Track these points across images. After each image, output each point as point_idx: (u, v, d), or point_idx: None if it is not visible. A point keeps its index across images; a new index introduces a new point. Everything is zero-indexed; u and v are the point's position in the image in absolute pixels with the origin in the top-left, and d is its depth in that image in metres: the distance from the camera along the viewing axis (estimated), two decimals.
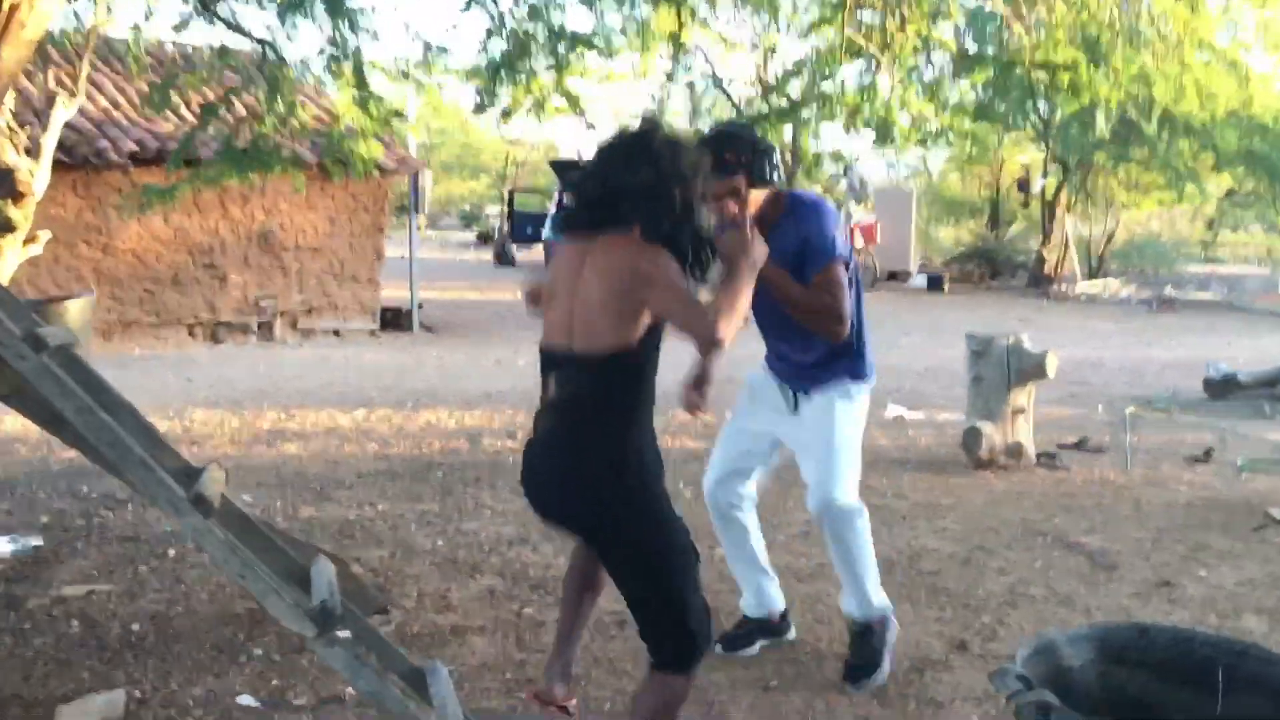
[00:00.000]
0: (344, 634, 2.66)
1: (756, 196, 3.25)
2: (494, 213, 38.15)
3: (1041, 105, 17.91)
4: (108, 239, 10.82)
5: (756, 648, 3.71)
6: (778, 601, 3.79)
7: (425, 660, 2.98)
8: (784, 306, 3.30)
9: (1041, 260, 21.22)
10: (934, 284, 20.51)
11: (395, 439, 7.13)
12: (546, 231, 24.21)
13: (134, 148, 10.64)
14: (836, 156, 9.95)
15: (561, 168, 25.72)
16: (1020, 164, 23.61)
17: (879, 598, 3.58)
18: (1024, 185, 22.69)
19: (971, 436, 6.29)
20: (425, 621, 3.92)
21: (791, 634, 3.82)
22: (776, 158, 3.27)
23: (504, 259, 25.62)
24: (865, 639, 3.54)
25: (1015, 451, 6.32)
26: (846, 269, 3.33)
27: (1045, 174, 21.90)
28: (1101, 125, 7.24)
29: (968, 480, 6.10)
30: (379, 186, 12.33)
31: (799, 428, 3.51)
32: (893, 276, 21.22)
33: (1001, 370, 6.30)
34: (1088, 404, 8.71)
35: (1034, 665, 2.77)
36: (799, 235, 3.26)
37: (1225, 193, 22.98)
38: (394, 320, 13.31)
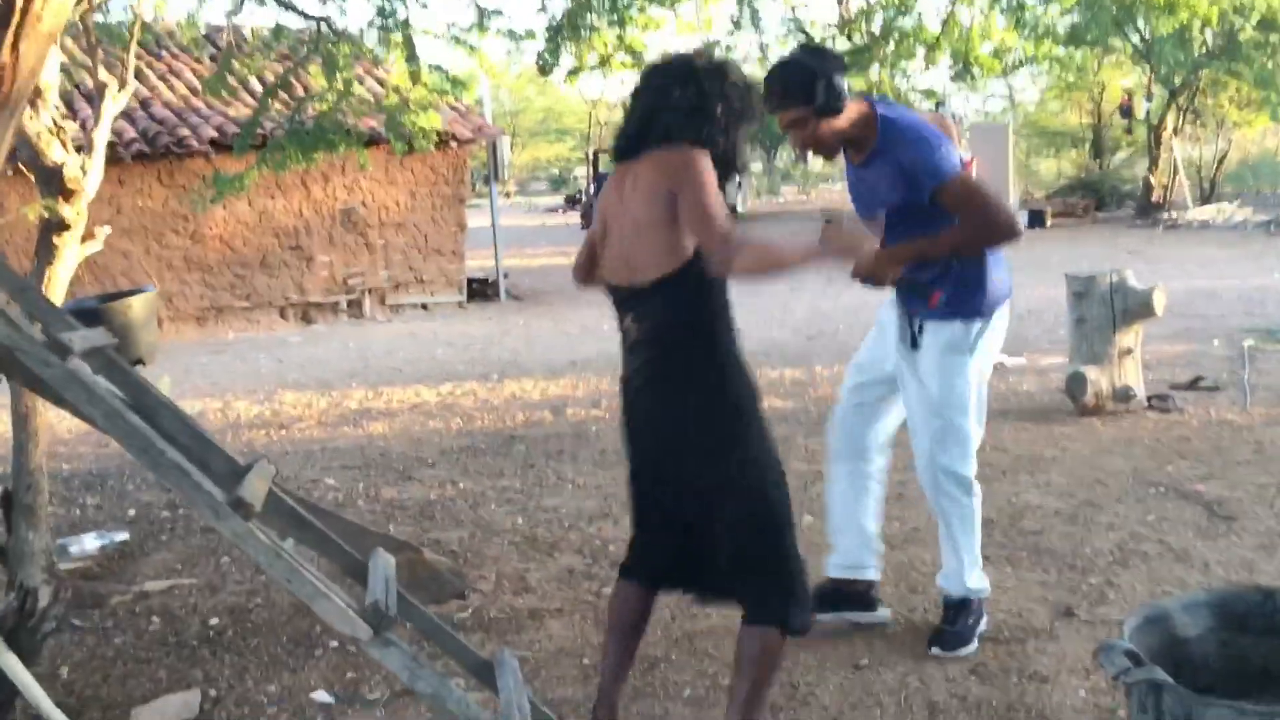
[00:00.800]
0: (395, 637, 2.54)
1: (835, 123, 3.01)
2: (581, 175, 38.04)
3: (1141, 25, 17.03)
4: (195, 226, 10.96)
5: (836, 617, 3.41)
6: (872, 571, 3.48)
7: (495, 651, 2.86)
8: (952, 254, 3.04)
9: (1149, 188, 20.31)
10: (1035, 220, 19.74)
11: (479, 413, 7.06)
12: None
13: (214, 134, 10.73)
14: (929, 94, 9.54)
15: None
16: (1122, 88, 22.59)
17: (977, 581, 3.32)
18: (1126, 110, 21.71)
19: (1076, 382, 5.95)
20: (503, 605, 3.81)
21: (883, 614, 3.49)
22: (841, 81, 2.97)
23: (591, 221, 25.47)
24: (958, 613, 3.31)
25: (1124, 395, 5.96)
26: (960, 174, 3.02)
27: (1149, 97, 20.89)
28: (1202, 39, 6.75)
29: (1073, 429, 5.77)
30: (457, 156, 12.27)
31: (913, 369, 3.21)
32: None
33: (1106, 310, 5.94)
34: (1202, 339, 8.23)
35: (1144, 636, 2.53)
36: (899, 161, 3.01)
37: None
38: (480, 291, 13.30)
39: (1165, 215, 19.28)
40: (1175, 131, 20.60)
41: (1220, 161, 21.89)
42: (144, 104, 11.22)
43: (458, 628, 3.60)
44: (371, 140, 8.14)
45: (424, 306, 12.55)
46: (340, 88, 7.04)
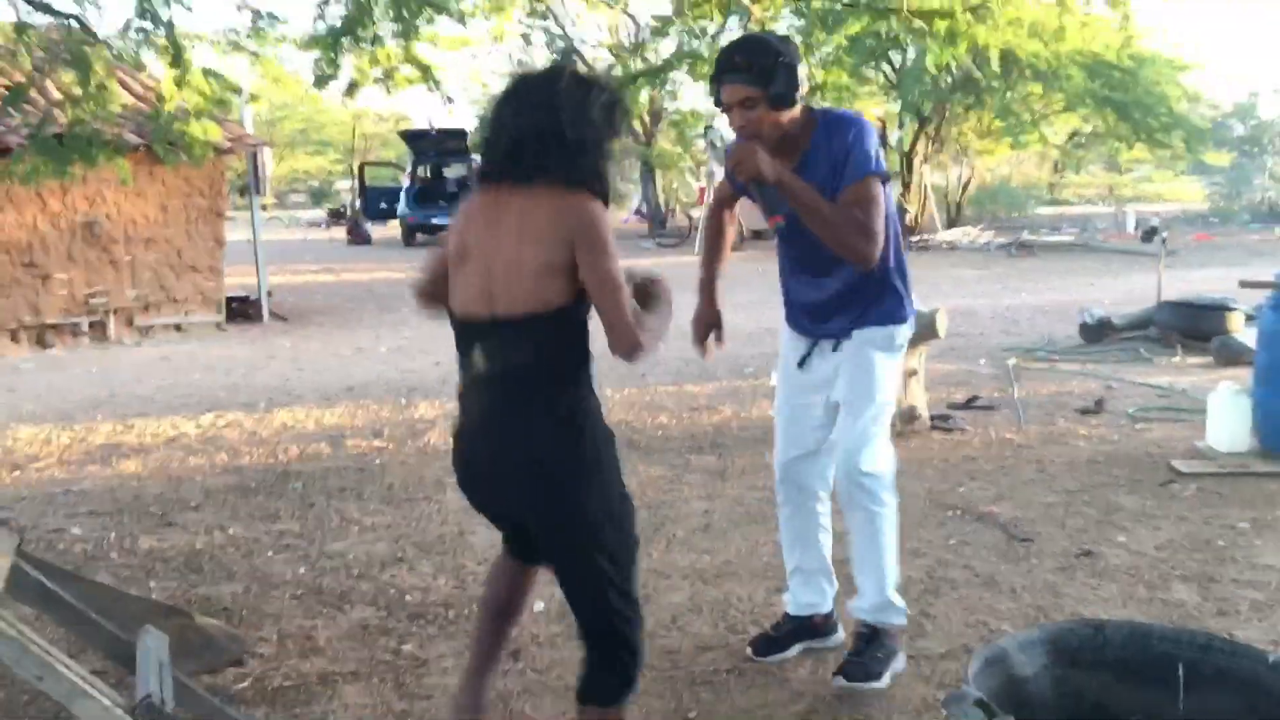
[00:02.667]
0: None
1: (780, 116, 2.88)
2: (345, 188, 36.81)
3: (895, 56, 17.91)
4: None
5: (794, 651, 3.35)
6: (827, 603, 3.41)
7: None
8: (808, 223, 2.89)
9: (903, 211, 21.36)
10: None
11: (247, 447, 6.49)
12: (403, 207, 23.39)
13: None
14: (695, 116, 9.59)
15: (413, 138, 24.86)
16: (875, 116, 23.71)
17: (898, 599, 3.21)
18: (881, 137, 22.79)
19: None
20: (288, 670, 3.40)
21: (839, 636, 3.41)
22: (801, 73, 2.88)
23: (358, 237, 24.60)
24: (870, 641, 3.16)
25: (909, 416, 6.07)
26: (884, 185, 2.96)
27: (901, 124, 22.03)
28: (945, 73, 7.02)
29: None
30: (214, 167, 11.44)
31: (826, 379, 3.18)
32: (758, 236, 21.05)
33: None
34: (969, 357, 8.60)
35: (986, 679, 2.45)
36: (833, 152, 2.91)
37: (1069, 135, 23.52)
38: (241, 310, 12.48)
39: (917, 237, 20.33)
40: (925, 158, 21.78)
41: (965, 187, 23.32)
42: None
43: (237, 700, 3.19)
44: (122, 150, 7.44)
45: (178, 328, 11.63)
46: (95, 93, 6.37)
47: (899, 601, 3.22)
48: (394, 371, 8.94)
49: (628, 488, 2.55)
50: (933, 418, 6.28)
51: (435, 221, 22.67)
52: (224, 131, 11.30)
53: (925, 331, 6.00)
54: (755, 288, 11.04)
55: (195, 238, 11.63)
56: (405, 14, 5.78)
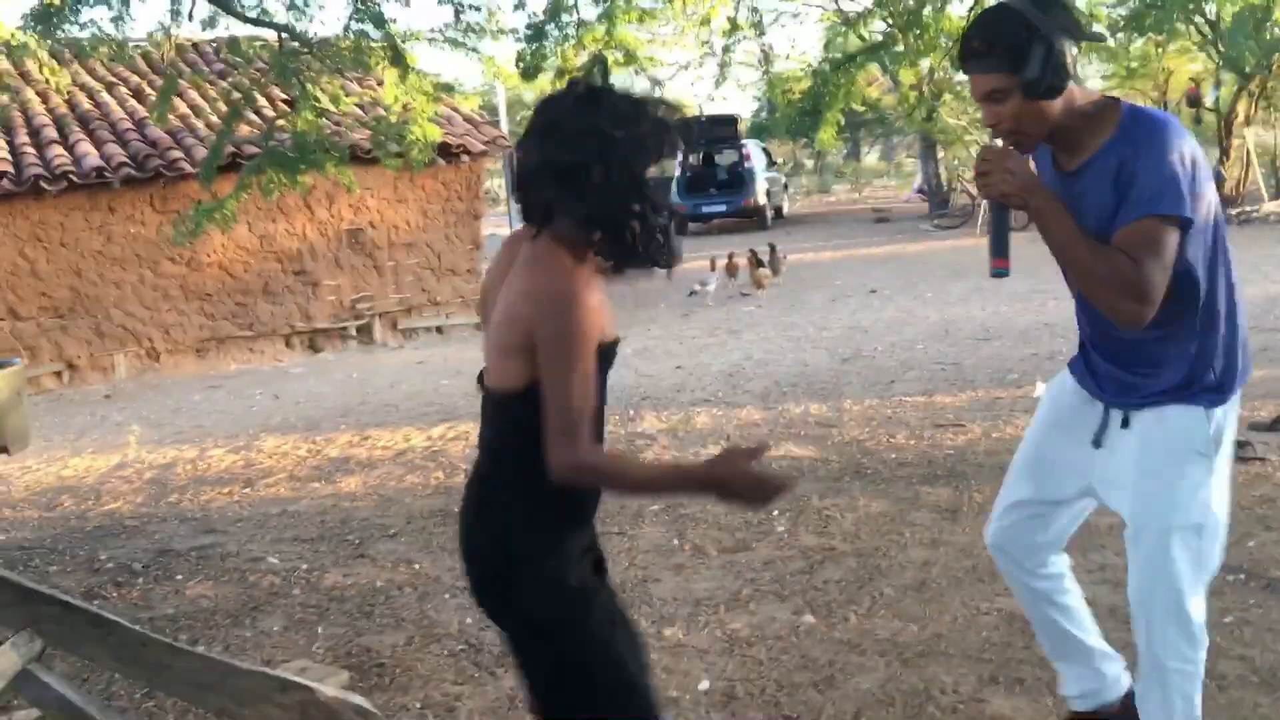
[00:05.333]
0: None
1: (1042, 109, 2.18)
2: None
3: (1209, 9, 15.91)
4: (192, 253, 10.40)
5: None
6: (1120, 685, 2.75)
7: None
8: (1060, 264, 2.24)
9: (1221, 180, 19.08)
10: None
11: (465, 463, 6.35)
12: (674, 196, 23.30)
13: (226, 160, 10.16)
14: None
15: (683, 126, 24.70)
16: (1188, 76, 21.36)
17: None
18: (1194, 99, 20.48)
19: None
20: None
21: None
22: (1068, 48, 2.16)
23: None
24: None
25: None
26: (1184, 234, 2.17)
27: (1218, 84, 19.67)
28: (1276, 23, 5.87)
29: None
30: (470, 171, 11.62)
31: (1110, 468, 2.44)
32: None
33: None
34: None
35: None
36: (1125, 166, 2.16)
37: None
38: None
39: (1238, 210, 18.10)
40: (1248, 120, 19.36)
41: None
42: (139, 125, 10.71)
43: None
44: (373, 159, 7.53)
45: (439, 330, 11.91)
46: (316, 102, 6.44)
47: None
48: (631, 376, 8.64)
49: (622, 615, 2.12)
50: None
51: (706, 210, 22.44)
52: (479, 135, 11.45)
53: None
54: (1036, 274, 9.97)
55: (454, 241, 11.86)
56: None
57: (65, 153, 10.17)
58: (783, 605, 3.90)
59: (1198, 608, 2.37)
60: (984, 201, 2.59)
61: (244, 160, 8.28)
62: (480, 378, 2.10)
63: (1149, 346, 2.32)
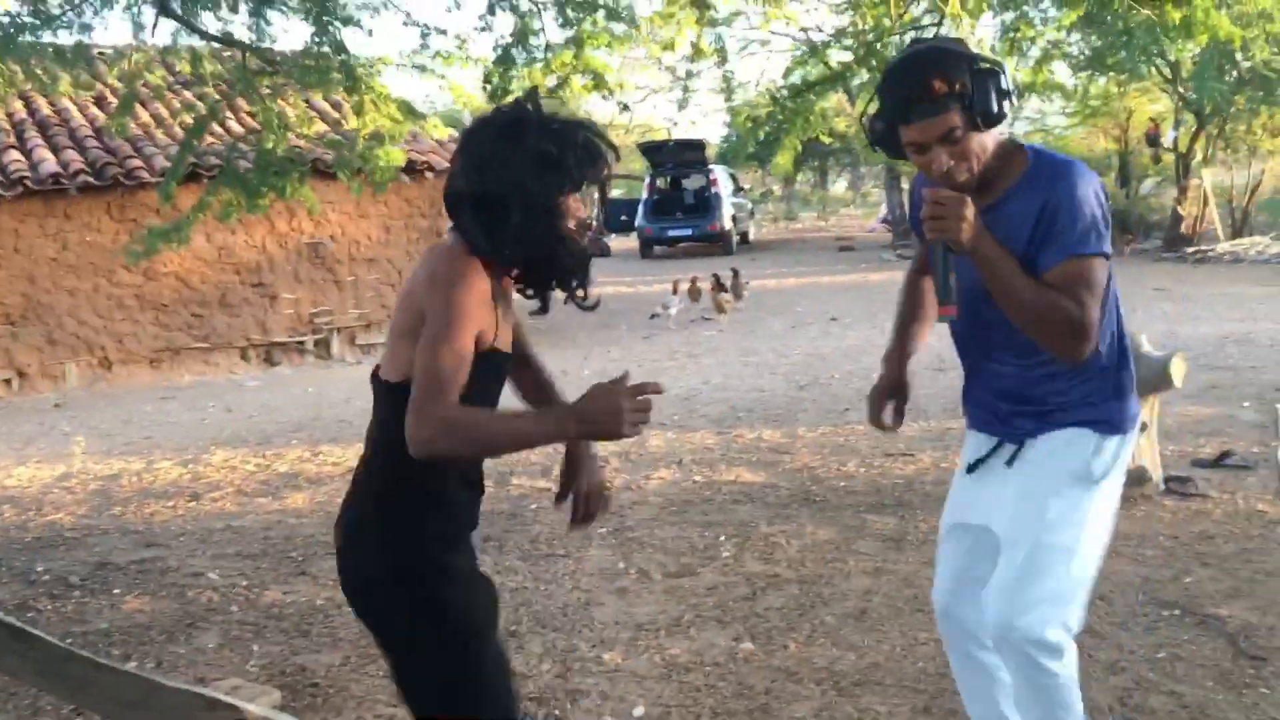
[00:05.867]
0: None
1: (981, 143, 2.18)
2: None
3: (1168, 50, 16.21)
4: (149, 262, 10.27)
5: None
6: None
7: None
8: (1001, 305, 2.22)
9: (1178, 219, 19.39)
10: None
11: None
12: (640, 219, 23.37)
13: (167, 164, 10.09)
14: None
15: (650, 150, 24.81)
16: (1149, 115, 21.70)
17: None
18: (1153, 138, 20.82)
19: None
20: None
21: None
22: (1007, 82, 2.17)
23: (596, 249, 24.76)
24: None
25: (1136, 479, 5.15)
26: (1106, 262, 2.23)
27: (1177, 124, 20.02)
28: (1233, 66, 5.99)
29: None
30: (434, 188, 11.59)
31: (1010, 494, 2.39)
32: None
33: None
34: (1231, 398, 7.40)
35: None
36: (1040, 206, 2.19)
37: None
38: None
39: (1194, 249, 18.39)
40: (1205, 160, 19.70)
41: (1253, 191, 20.90)
42: (99, 132, 10.62)
43: None
44: (313, 176, 7.49)
45: None
46: (280, 120, 6.42)
47: None
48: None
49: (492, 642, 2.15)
50: (1168, 479, 5.34)
51: (671, 234, 22.50)
52: (442, 152, 11.44)
53: (1156, 380, 5.09)
54: None
55: (416, 257, 11.78)
56: (570, 11, 5.45)
57: (22, 158, 10.06)
58: (723, 631, 3.89)
59: (1062, 635, 2.31)
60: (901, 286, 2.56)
61: (204, 172, 8.22)
62: (374, 372, 2.12)
63: (1043, 378, 2.34)
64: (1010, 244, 2.19)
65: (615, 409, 1.88)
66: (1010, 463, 2.41)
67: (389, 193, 10.90)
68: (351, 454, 7.08)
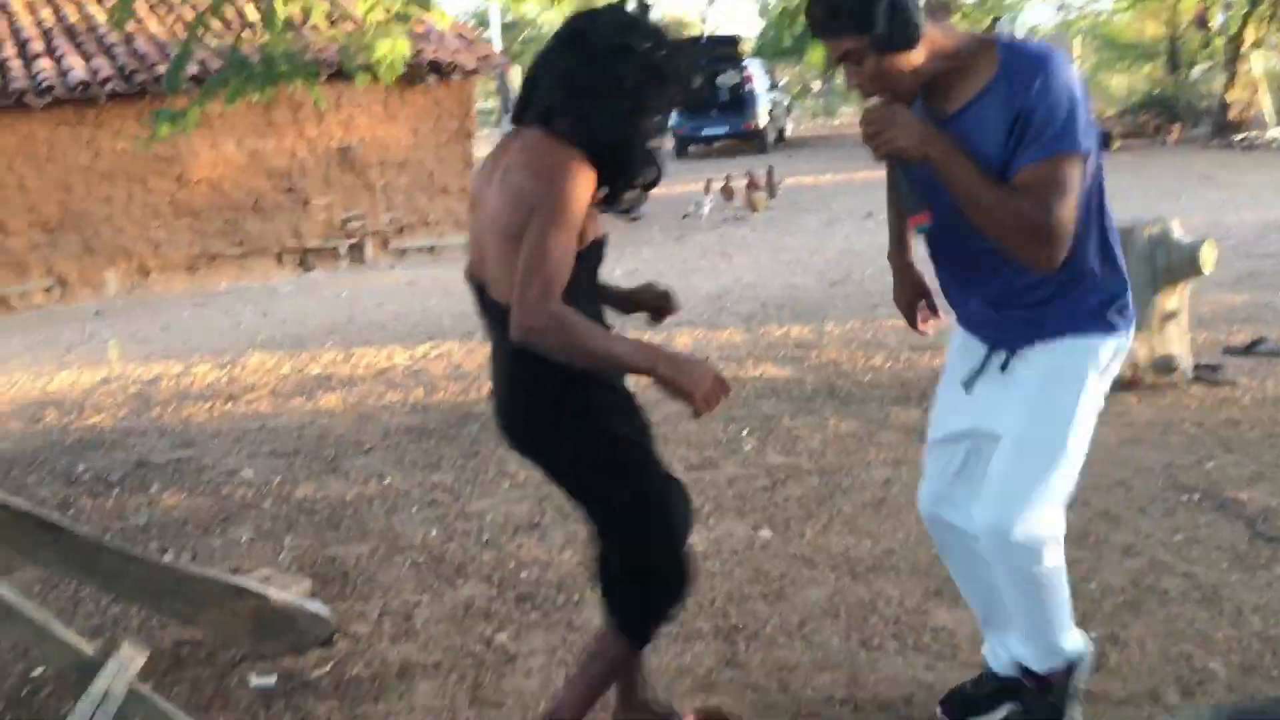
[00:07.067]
0: None
1: (908, 59, 2.10)
2: None
3: None
4: (181, 169, 10.36)
5: (1000, 715, 2.60)
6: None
7: None
8: (966, 212, 2.13)
9: (1225, 106, 18.83)
10: (1100, 141, 18.42)
11: (446, 381, 6.40)
12: (675, 118, 23.02)
13: (195, 69, 10.05)
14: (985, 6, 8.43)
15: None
16: None
17: (1072, 642, 2.47)
18: (1202, 21, 20.11)
19: None
20: (372, 656, 3.17)
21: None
22: (911, 2, 2.05)
23: None
24: (1035, 696, 2.49)
25: (1164, 366, 5.12)
26: (1084, 164, 2.11)
27: (1227, 6, 19.30)
28: None
29: (1102, 410, 4.94)
30: (462, 89, 11.49)
31: (1004, 398, 2.36)
32: None
33: (1145, 267, 5.06)
34: (1270, 287, 7.28)
35: None
36: (1013, 105, 2.07)
37: None
38: None
39: (1242, 135, 17.89)
40: (1256, 43, 19.03)
41: None
42: (128, 38, 10.58)
43: (310, 690, 2.99)
44: (318, 73, 7.45)
45: (431, 250, 11.88)
46: (282, 13, 6.37)
47: (1073, 643, 2.47)
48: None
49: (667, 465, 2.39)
50: (1197, 366, 5.29)
51: (706, 132, 22.19)
52: (470, 52, 11.31)
53: (1185, 267, 5.03)
54: None
55: (446, 160, 11.76)
56: None
57: (52, 64, 10.07)
58: (742, 521, 3.95)
59: (1051, 530, 2.31)
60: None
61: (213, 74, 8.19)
62: (471, 276, 2.22)
63: (1028, 284, 2.25)
64: (980, 151, 2.10)
65: (705, 376, 2.01)
66: (1004, 368, 2.37)
67: (416, 94, 10.86)
68: (383, 356, 7.18)
